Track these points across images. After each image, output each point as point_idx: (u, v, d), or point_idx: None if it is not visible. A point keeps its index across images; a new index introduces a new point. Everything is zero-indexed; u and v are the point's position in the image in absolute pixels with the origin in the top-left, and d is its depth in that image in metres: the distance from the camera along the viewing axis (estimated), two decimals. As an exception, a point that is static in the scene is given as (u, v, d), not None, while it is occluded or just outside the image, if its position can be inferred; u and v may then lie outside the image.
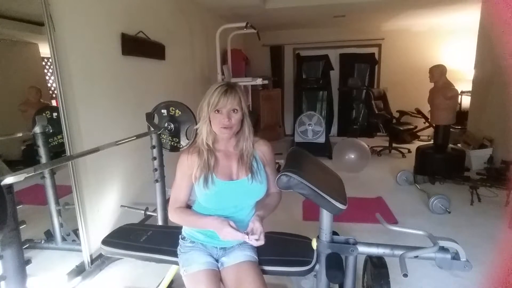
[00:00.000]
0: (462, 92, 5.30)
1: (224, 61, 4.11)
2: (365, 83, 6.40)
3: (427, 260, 1.21)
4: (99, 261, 2.12)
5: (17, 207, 1.16)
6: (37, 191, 2.13)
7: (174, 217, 1.27)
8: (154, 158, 2.22)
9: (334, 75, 6.50)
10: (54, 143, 2.03)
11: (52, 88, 2.00)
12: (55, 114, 1.98)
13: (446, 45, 5.91)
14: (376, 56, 6.37)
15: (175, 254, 1.32)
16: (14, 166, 1.30)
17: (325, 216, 1.23)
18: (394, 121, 5.28)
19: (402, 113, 5.33)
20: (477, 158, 4.00)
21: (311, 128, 5.12)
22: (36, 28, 1.85)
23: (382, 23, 5.92)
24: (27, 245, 2.02)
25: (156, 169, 2.24)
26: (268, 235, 1.16)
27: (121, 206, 2.46)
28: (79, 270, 2.01)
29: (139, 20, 2.72)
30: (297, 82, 6.62)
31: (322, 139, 5.10)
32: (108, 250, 1.44)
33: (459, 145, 4.60)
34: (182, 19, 3.68)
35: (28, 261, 1.24)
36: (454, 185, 3.34)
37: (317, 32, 6.36)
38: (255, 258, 1.26)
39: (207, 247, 1.28)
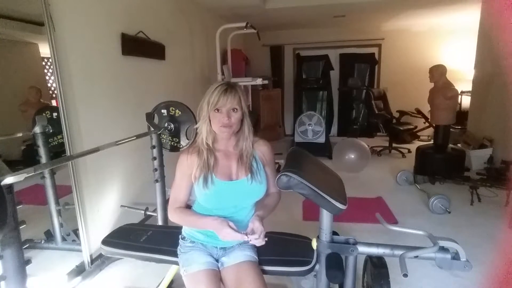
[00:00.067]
0: (462, 92, 5.30)
1: (224, 61, 4.11)
2: (365, 83, 6.40)
3: (427, 260, 1.21)
4: (99, 261, 2.12)
5: (17, 207, 1.16)
6: (37, 191, 2.13)
7: (174, 217, 1.27)
8: (154, 158, 2.22)
9: (334, 75, 6.50)
10: (54, 143, 2.03)
11: (52, 88, 2.00)
12: (55, 114, 1.98)
13: (446, 45, 5.91)
14: (376, 56, 6.37)
15: (175, 254, 1.32)
16: (14, 166, 1.30)
17: (325, 216, 1.23)
18: (394, 121, 5.28)
19: (402, 113, 5.33)
20: (477, 158, 4.01)
21: (311, 128, 5.12)
22: (36, 28, 1.85)
23: (382, 23, 5.92)
24: (27, 245, 2.02)
25: (156, 169, 2.24)
26: (268, 235, 1.16)
27: (121, 206, 2.46)
28: (79, 270, 2.01)
29: (139, 20, 2.72)
30: (297, 82, 6.62)
31: (322, 139, 5.10)
32: (108, 250, 1.44)
33: (459, 145, 4.60)
34: (182, 19, 3.68)
35: (28, 261, 1.24)
36: (454, 185, 3.34)
37: (317, 32, 6.36)
38: (255, 258, 1.26)
39: (207, 247, 1.28)
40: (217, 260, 1.27)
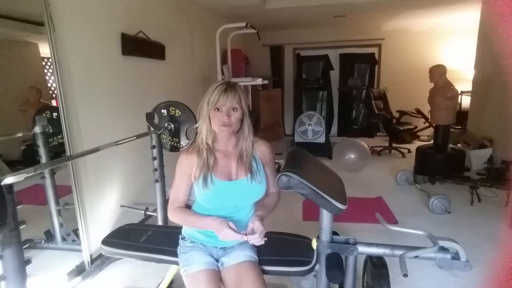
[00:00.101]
0: (462, 92, 5.30)
1: (224, 61, 4.11)
2: (365, 83, 6.40)
3: (427, 260, 1.21)
4: (99, 261, 2.12)
5: (17, 207, 1.16)
6: (37, 191, 2.13)
7: (174, 217, 1.27)
8: (154, 158, 2.22)
9: (334, 75, 6.50)
10: (54, 143, 2.03)
11: (52, 88, 2.00)
12: (55, 114, 1.98)
13: (446, 45, 5.91)
14: (376, 56, 6.37)
15: (175, 254, 1.32)
16: (14, 166, 1.30)
17: (325, 216, 1.23)
18: (394, 121, 5.28)
19: (402, 113, 5.33)
20: (477, 158, 4.00)
21: (311, 128, 5.12)
22: (36, 28, 1.85)
23: (382, 23, 5.92)
24: (27, 245, 2.01)
25: (156, 169, 2.24)
26: (268, 235, 1.16)
27: (121, 206, 2.46)
28: (79, 270, 2.01)
29: (139, 20, 2.72)
30: (297, 82, 6.62)
31: (322, 139, 5.10)
32: (108, 250, 1.44)
33: (459, 145, 4.60)
34: (182, 19, 3.68)
35: (28, 261, 1.24)
36: (454, 185, 3.34)
37: (317, 32, 6.36)
38: (255, 258, 1.26)
39: (207, 247, 1.28)
40: (217, 260, 1.27)
